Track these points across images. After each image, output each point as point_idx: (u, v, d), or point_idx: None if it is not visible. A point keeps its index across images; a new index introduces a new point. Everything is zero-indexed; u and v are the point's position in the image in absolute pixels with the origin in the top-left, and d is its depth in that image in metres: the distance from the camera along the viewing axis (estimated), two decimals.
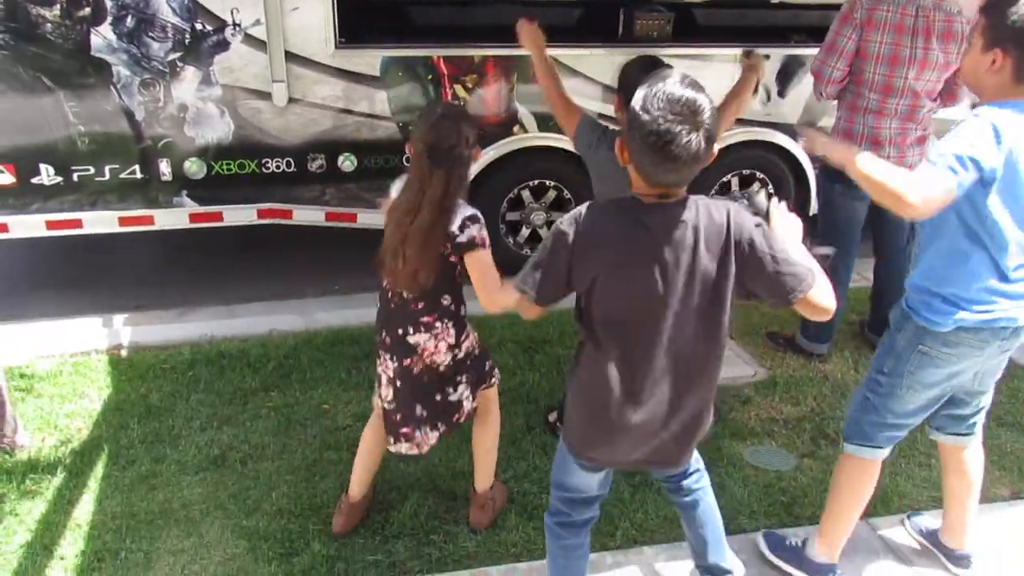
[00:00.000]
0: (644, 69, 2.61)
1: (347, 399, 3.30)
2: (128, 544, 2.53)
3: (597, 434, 1.87)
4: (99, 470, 2.86)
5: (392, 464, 2.89)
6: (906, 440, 3.04)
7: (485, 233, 2.21)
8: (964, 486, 2.43)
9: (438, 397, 2.37)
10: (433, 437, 2.41)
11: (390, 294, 2.31)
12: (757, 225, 1.72)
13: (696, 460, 2.16)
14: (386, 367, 2.37)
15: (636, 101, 1.62)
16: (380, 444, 2.55)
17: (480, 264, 2.20)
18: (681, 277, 1.70)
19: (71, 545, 2.53)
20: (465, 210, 2.20)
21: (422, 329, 2.28)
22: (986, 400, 2.33)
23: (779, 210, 1.89)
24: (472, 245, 2.18)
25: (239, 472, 2.86)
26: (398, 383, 2.35)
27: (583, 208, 1.76)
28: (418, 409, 2.37)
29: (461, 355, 2.37)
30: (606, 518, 2.64)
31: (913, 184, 1.82)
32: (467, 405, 2.44)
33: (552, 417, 3.14)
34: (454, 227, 2.17)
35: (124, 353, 3.65)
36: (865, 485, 2.33)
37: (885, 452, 2.32)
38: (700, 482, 2.18)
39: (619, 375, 1.79)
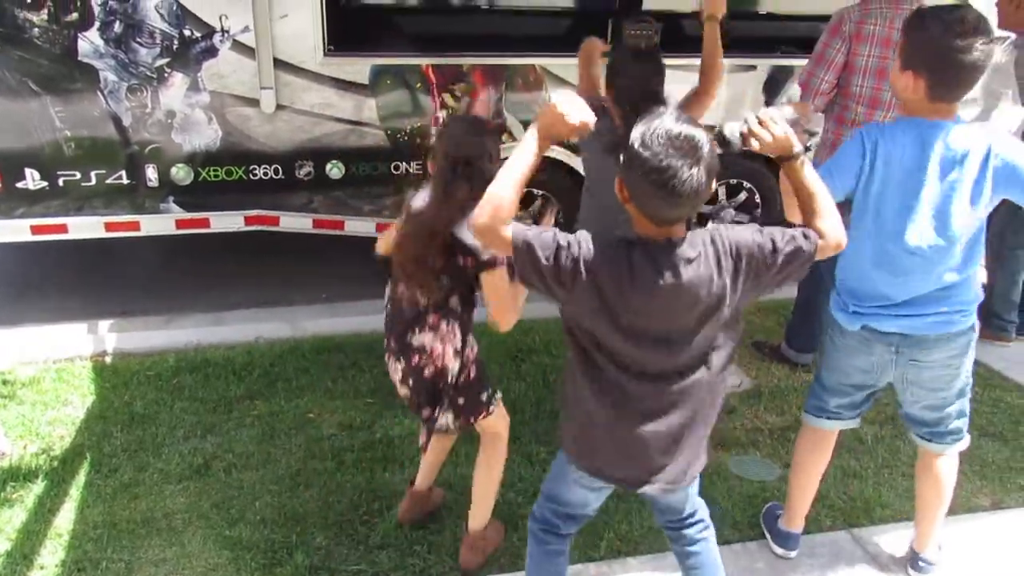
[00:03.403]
0: (633, 59, 2.67)
1: (332, 408, 3.29)
2: (109, 553, 2.51)
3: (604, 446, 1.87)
4: (81, 478, 2.84)
5: (377, 474, 2.89)
6: (889, 451, 3.10)
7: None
8: (935, 496, 2.47)
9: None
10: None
11: (402, 299, 2.28)
12: (752, 231, 1.73)
13: (702, 509, 2.11)
14: (395, 369, 2.35)
15: (634, 139, 1.61)
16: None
17: (495, 284, 2.16)
18: (686, 311, 1.69)
19: (51, 555, 2.51)
20: None
21: (427, 329, 2.25)
22: (945, 415, 2.36)
23: (755, 122, 1.82)
24: (493, 264, 2.14)
25: (222, 481, 2.85)
26: (410, 380, 2.32)
27: (587, 238, 1.71)
28: (435, 411, 2.35)
29: (464, 365, 2.32)
30: (590, 528, 2.63)
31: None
32: (442, 423, 2.36)
33: None
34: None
35: (109, 360, 3.63)
36: (818, 457, 2.50)
37: (828, 425, 2.47)
38: (703, 532, 2.12)
39: (617, 395, 1.77)
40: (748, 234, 1.72)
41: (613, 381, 1.77)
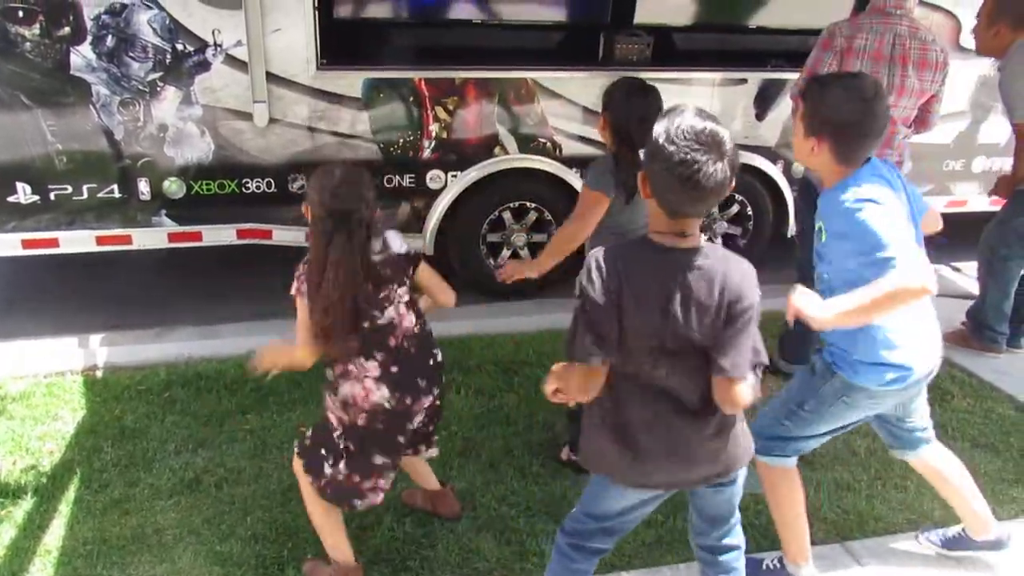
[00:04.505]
0: (630, 90, 2.66)
1: None
2: (99, 570, 2.49)
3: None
4: (71, 494, 2.82)
5: None
6: (882, 464, 3.09)
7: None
8: (952, 488, 2.50)
9: None
10: None
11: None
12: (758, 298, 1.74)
13: (739, 538, 2.09)
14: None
15: (659, 134, 1.64)
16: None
17: (429, 273, 2.34)
18: (688, 316, 1.70)
19: (40, 572, 2.49)
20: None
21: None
22: (922, 420, 2.41)
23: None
24: (418, 258, 2.28)
25: (214, 496, 2.83)
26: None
27: (598, 255, 1.72)
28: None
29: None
30: None
31: (908, 276, 1.87)
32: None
33: (565, 455, 3.04)
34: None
35: (99, 374, 3.62)
36: (797, 486, 2.39)
37: (794, 459, 2.40)
38: (738, 562, 2.10)
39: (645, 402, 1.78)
40: (757, 300, 1.72)
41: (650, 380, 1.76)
